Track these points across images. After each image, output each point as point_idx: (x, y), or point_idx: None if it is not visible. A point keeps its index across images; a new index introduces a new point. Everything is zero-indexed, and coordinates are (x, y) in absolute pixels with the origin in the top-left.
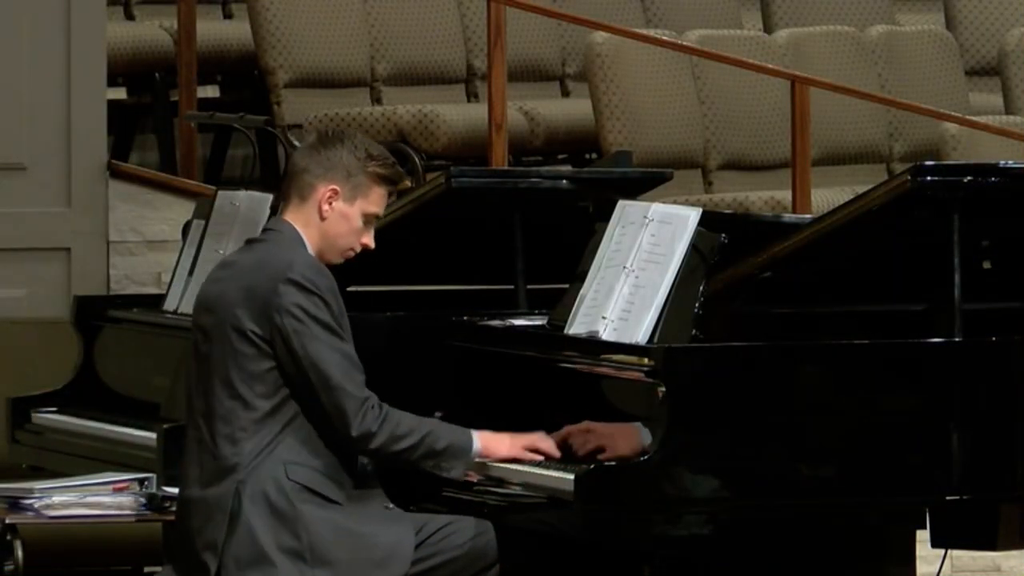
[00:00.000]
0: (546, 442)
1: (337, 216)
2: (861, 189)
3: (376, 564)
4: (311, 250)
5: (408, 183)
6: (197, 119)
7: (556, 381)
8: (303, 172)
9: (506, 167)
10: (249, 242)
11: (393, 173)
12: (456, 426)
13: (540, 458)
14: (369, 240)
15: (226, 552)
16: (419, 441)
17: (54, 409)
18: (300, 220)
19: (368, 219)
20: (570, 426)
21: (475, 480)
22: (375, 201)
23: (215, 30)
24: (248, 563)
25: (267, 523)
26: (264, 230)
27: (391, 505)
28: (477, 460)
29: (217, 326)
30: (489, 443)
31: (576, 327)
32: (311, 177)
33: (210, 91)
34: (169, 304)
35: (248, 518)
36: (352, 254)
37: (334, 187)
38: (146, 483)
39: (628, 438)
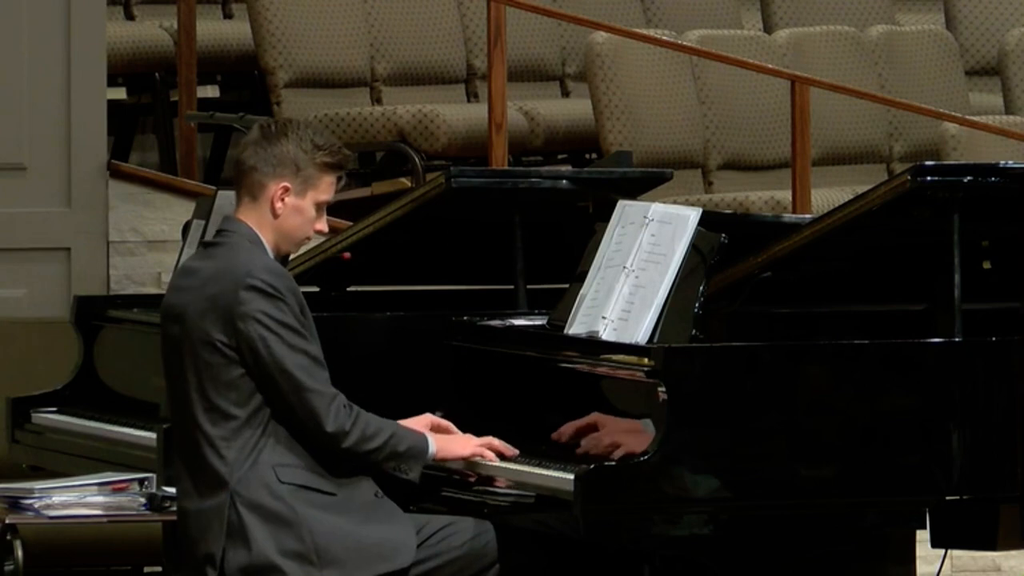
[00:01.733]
0: (499, 441)
1: (290, 211)
2: (861, 189)
3: (383, 557)
4: (268, 246)
5: (409, 183)
6: (197, 119)
7: (556, 381)
8: (252, 170)
9: (506, 167)
10: (206, 245)
11: (341, 159)
12: (411, 429)
13: (494, 457)
14: (323, 226)
15: (232, 566)
16: (384, 442)
17: (54, 409)
18: (254, 219)
19: (320, 207)
20: (577, 422)
21: (472, 479)
22: (325, 190)
23: (215, 30)
24: (255, 574)
25: (268, 531)
26: (219, 231)
27: (379, 493)
28: (435, 461)
29: (185, 338)
30: (443, 444)
31: (576, 327)
32: (260, 176)
33: (210, 91)
34: None
35: (248, 529)
36: (307, 242)
37: (285, 184)
38: (146, 483)
39: (635, 435)
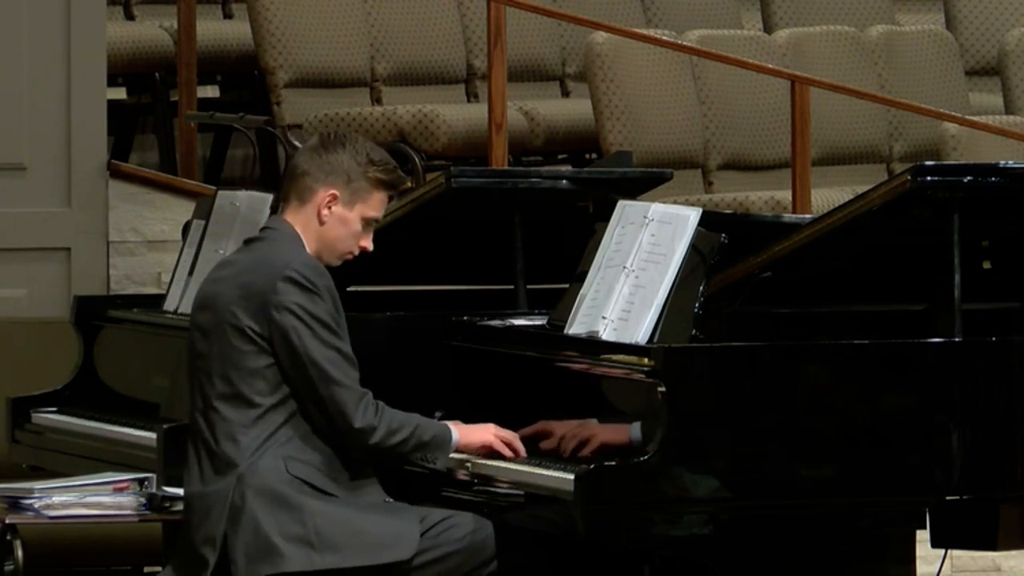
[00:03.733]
0: (519, 442)
1: (336, 220)
2: (861, 189)
3: (384, 546)
4: (309, 252)
5: (409, 184)
6: (197, 119)
7: (556, 381)
8: (304, 175)
9: (506, 167)
10: (248, 242)
11: (395, 178)
12: (432, 420)
13: (511, 454)
14: (367, 243)
15: (233, 547)
16: (410, 434)
17: (54, 409)
18: (299, 222)
19: (367, 223)
20: (561, 423)
21: (464, 478)
22: (374, 206)
23: (215, 30)
24: (257, 556)
25: (271, 514)
26: (263, 228)
27: (389, 499)
28: (458, 451)
29: (215, 324)
30: (465, 432)
31: (576, 327)
32: (311, 180)
33: (210, 91)
34: (169, 304)
35: (252, 511)
36: (350, 257)
37: (334, 192)
38: (146, 483)
39: (616, 433)
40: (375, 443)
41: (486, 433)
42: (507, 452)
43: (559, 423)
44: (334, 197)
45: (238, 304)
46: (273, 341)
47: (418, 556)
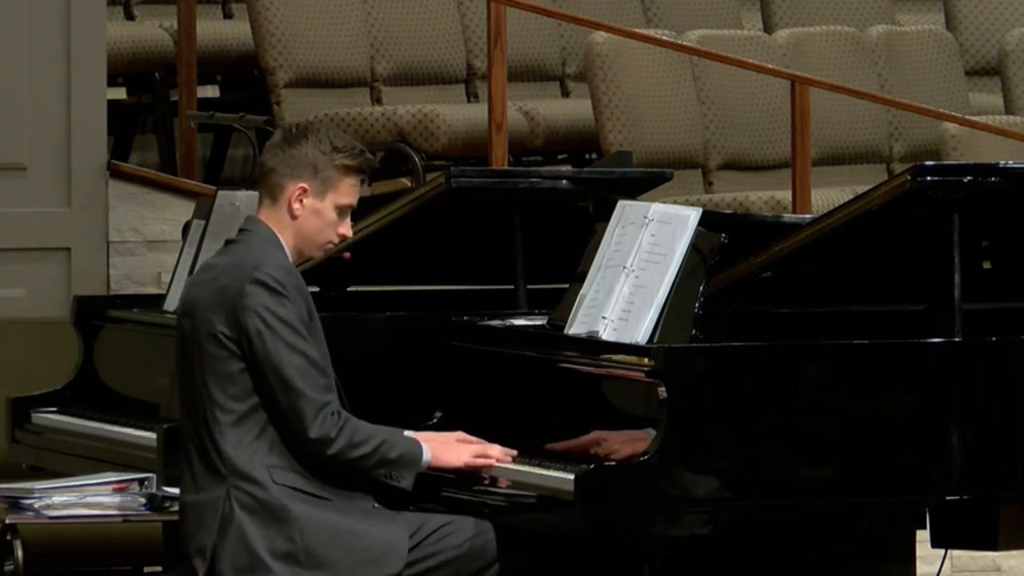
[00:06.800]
0: (495, 448)
1: (309, 213)
2: (861, 189)
3: (372, 562)
4: (288, 249)
5: (408, 183)
6: (197, 119)
7: (556, 381)
8: (271, 172)
9: (506, 167)
10: (228, 243)
11: (361, 162)
12: (407, 436)
13: (492, 463)
14: (346, 230)
15: (220, 560)
16: (374, 449)
17: (54, 409)
18: (273, 220)
19: (342, 210)
20: (581, 438)
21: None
22: (345, 192)
23: (215, 30)
24: (244, 570)
25: (260, 529)
26: (240, 230)
27: (376, 505)
28: (429, 471)
29: (194, 330)
30: (439, 453)
31: (576, 327)
32: (279, 177)
33: (210, 91)
34: (169, 304)
35: (240, 524)
36: (332, 246)
37: (303, 185)
38: (146, 483)
39: (637, 444)
40: (332, 455)
41: (461, 454)
42: (484, 464)
43: (612, 434)
44: (304, 190)
45: (213, 310)
46: (242, 345)
47: (418, 563)
